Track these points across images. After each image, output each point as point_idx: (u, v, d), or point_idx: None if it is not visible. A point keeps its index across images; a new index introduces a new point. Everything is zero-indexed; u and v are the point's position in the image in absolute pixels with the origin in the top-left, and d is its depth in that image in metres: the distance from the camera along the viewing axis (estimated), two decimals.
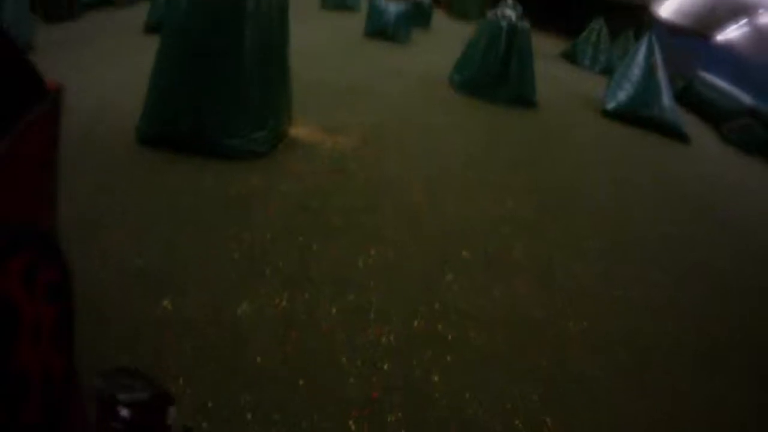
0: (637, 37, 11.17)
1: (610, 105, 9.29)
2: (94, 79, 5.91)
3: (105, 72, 6.20)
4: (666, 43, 14.79)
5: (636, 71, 9.31)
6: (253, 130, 4.43)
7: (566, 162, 5.97)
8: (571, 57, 15.52)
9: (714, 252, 4.54)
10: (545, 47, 15.01)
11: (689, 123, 9.93)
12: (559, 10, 21.96)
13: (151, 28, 8.11)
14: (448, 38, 11.29)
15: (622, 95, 9.30)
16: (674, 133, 8.94)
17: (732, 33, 19.39)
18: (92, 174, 3.83)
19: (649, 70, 9.22)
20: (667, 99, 9.19)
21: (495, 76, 7.94)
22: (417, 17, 12.59)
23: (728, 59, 14.90)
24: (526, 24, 8.09)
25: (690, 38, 17.61)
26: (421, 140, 5.40)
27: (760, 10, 16.77)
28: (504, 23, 7.93)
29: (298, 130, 4.83)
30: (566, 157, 6.17)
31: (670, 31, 19.02)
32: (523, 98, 8.13)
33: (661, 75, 9.23)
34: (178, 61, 4.36)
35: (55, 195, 1.35)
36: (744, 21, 18.14)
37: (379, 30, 10.83)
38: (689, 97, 13.53)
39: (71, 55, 6.61)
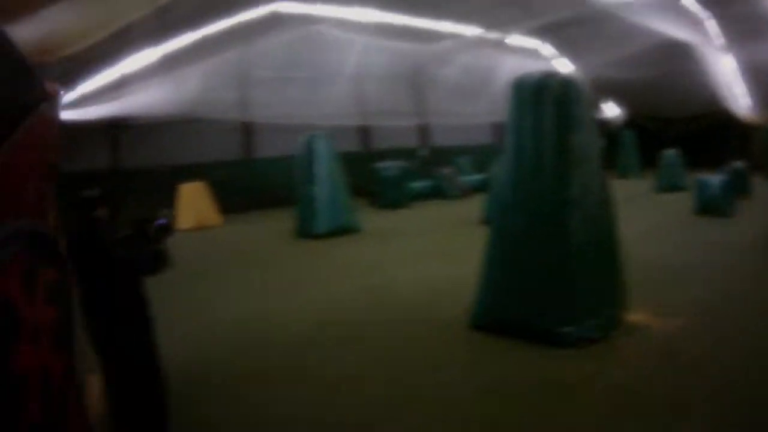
0: None
1: None
2: (425, 272, 7.27)
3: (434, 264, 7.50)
4: None
5: None
6: (584, 317, 4.55)
7: None
8: None
9: None
10: None
11: None
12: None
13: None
14: None
15: None
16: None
17: None
18: (427, 350, 4.61)
19: None
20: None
21: None
22: (738, 186, 12.24)
23: None
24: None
25: None
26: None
27: None
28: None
29: (635, 315, 4.92)
30: None
31: None
32: None
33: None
34: (502, 254, 4.84)
35: (55, 197, 1.35)
36: None
37: (706, 206, 10.73)
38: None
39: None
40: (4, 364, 1.10)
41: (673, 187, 14.29)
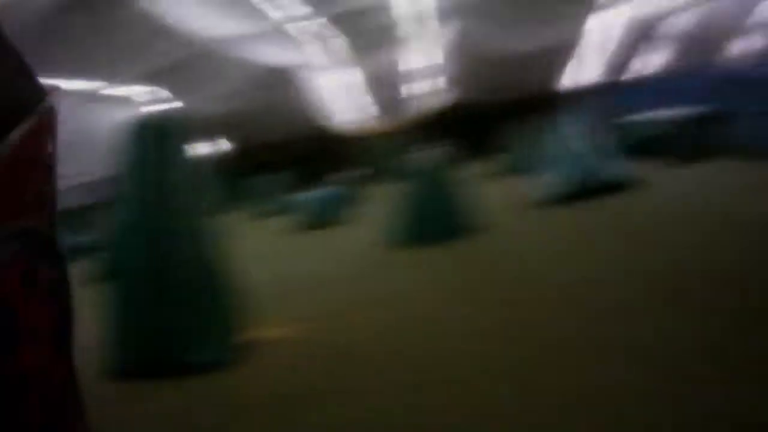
0: (558, 121, 11.08)
1: (553, 190, 9.13)
2: None
3: None
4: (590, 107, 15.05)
5: (569, 147, 9.40)
6: (209, 342, 4.59)
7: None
8: (512, 169, 15.16)
9: None
10: (483, 171, 15.29)
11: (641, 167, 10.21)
12: (484, 134, 20.58)
13: None
14: (383, 209, 9.83)
15: (563, 176, 9.15)
16: (628, 185, 9.14)
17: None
18: None
19: (582, 140, 9.49)
20: (608, 158, 9.39)
21: (434, 217, 7.65)
22: (347, 196, 12.83)
23: (650, 90, 15.92)
24: (449, 156, 8.18)
25: (606, 90, 18.84)
26: (378, 310, 5.22)
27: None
28: (425, 164, 7.92)
29: (265, 330, 5.02)
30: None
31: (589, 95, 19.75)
32: (465, 227, 7.79)
33: (595, 138, 9.55)
34: (127, 292, 4.80)
35: (55, 197, 1.34)
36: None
37: (314, 220, 11.06)
38: (627, 142, 13.67)
39: None
40: (3, 364, 1.11)
41: (279, 211, 14.25)
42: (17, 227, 1.21)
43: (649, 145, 12.65)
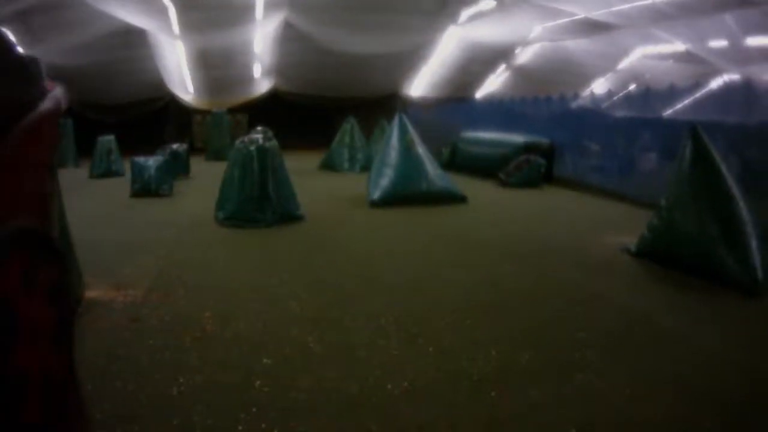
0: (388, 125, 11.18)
1: (377, 195, 9.30)
2: None
3: None
4: (423, 119, 16.53)
5: (393, 154, 9.64)
6: None
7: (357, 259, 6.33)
8: (329, 165, 15.26)
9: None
10: (306, 164, 15.24)
11: (466, 184, 11.03)
12: (315, 125, 21.45)
13: None
14: (210, 183, 10.29)
15: (386, 181, 9.43)
16: (450, 198, 9.70)
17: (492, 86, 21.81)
18: None
19: (406, 148, 9.67)
20: (432, 169, 9.76)
21: (256, 201, 7.75)
22: (177, 167, 12.68)
23: (491, 111, 16.63)
24: (275, 142, 8.07)
25: (447, 106, 19.39)
26: (205, 275, 5.57)
27: (516, 51, 20.02)
28: (252, 147, 7.80)
29: (95, 291, 4.92)
30: (345, 258, 6.44)
31: (422, 106, 20.75)
32: (289, 215, 7.99)
33: (420, 150, 9.75)
34: None
35: (55, 196, 1.43)
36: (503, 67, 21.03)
37: (144, 188, 10.62)
38: (460, 160, 14.72)
39: None
40: (3, 364, 1.11)
41: (109, 172, 13.65)
42: (17, 227, 1.21)
43: (479, 165, 13.60)
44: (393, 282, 5.40)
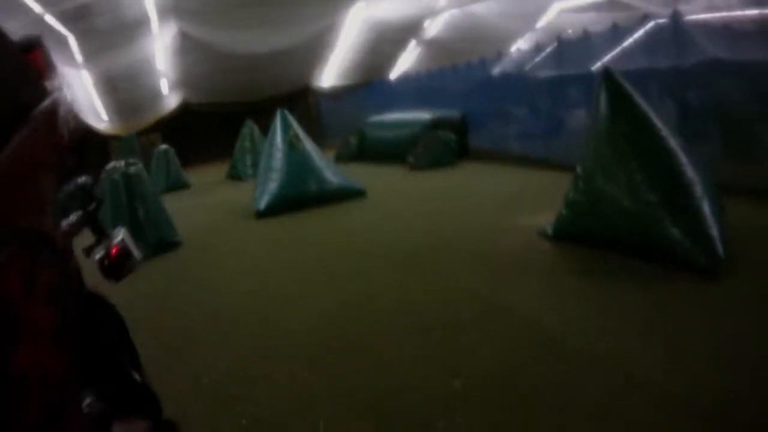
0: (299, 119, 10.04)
1: (263, 203, 8.42)
2: None
3: None
4: (336, 109, 15.45)
5: (278, 155, 8.68)
6: None
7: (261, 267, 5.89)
8: (234, 175, 14.27)
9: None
10: (213, 176, 14.78)
11: (372, 173, 10.18)
12: (230, 134, 18.69)
13: None
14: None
15: (273, 186, 8.52)
16: (348, 194, 8.80)
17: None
18: None
19: (290, 146, 8.72)
20: (323, 166, 8.86)
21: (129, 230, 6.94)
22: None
23: (405, 90, 15.85)
24: (141, 167, 7.56)
25: (359, 92, 18.78)
26: None
27: (425, 24, 18.67)
28: (117, 175, 7.27)
29: None
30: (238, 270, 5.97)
31: (335, 96, 20.19)
32: (165, 241, 7.35)
33: (308, 146, 8.82)
34: None
35: (55, 197, 1.40)
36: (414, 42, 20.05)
37: None
38: (368, 147, 13.76)
39: None
40: (3, 365, 1.03)
41: None
42: (17, 227, 1.18)
43: (389, 150, 12.60)
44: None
